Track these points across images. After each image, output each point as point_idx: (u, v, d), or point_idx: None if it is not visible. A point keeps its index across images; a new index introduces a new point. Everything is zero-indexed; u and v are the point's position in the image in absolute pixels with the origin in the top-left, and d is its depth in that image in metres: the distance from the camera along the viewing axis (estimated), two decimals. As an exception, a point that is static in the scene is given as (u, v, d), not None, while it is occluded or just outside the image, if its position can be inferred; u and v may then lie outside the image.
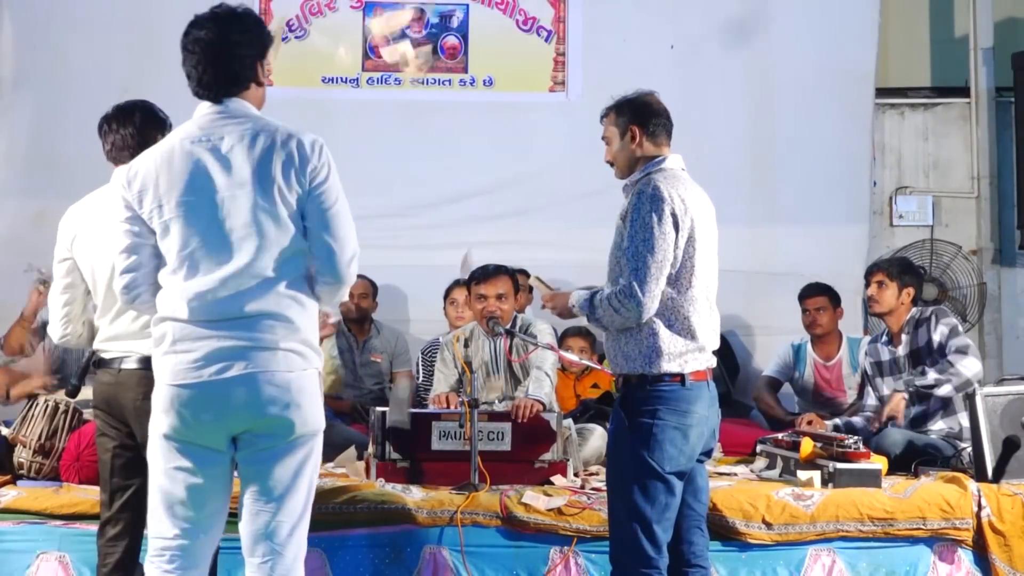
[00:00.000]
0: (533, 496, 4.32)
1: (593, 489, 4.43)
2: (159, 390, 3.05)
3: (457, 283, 6.12)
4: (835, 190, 6.94)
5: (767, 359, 6.51)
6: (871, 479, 4.46)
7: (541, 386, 4.97)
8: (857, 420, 5.31)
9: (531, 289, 6.25)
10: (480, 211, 6.80)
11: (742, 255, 6.75)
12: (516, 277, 5.48)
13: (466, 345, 5.25)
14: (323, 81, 6.84)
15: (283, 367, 3.00)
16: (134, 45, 6.69)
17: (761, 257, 6.92)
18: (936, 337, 5.08)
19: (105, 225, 3.51)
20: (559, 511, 4.26)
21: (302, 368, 3.04)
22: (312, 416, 3.06)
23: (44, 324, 5.84)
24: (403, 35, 6.82)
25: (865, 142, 7.04)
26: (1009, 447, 4.53)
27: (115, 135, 3.66)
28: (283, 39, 6.74)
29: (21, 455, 4.52)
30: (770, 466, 4.86)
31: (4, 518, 4.25)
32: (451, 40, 6.99)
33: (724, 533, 4.29)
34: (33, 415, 4.56)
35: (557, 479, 4.59)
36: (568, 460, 4.68)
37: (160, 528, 3.09)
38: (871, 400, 5.37)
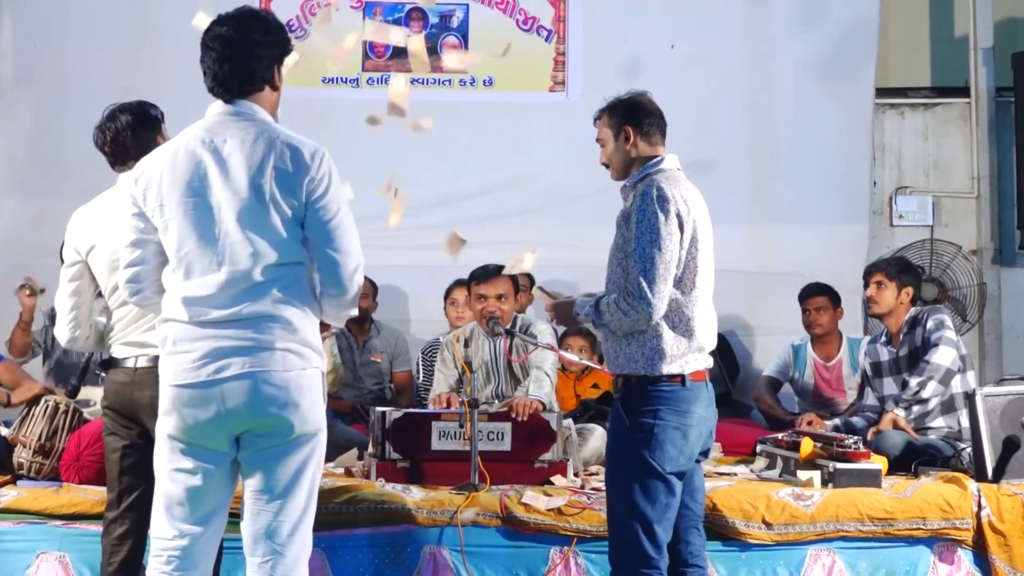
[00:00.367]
0: (533, 496, 4.32)
1: (593, 489, 4.43)
2: (163, 391, 3.06)
3: (458, 283, 6.12)
4: (835, 190, 6.94)
5: (767, 359, 6.51)
6: (871, 479, 4.46)
7: (541, 386, 4.97)
8: (857, 420, 5.31)
9: (531, 288, 6.26)
10: (480, 211, 6.80)
11: (742, 255, 6.76)
12: (516, 277, 5.48)
13: (466, 345, 5.25)
14: (323, 81, 6.83)
15: (281, 367, 3.00)
16: (134, 45, 6.71)
17: (761, 257, 6.92)
18: (927, 335, 5.09)
19: (117, 228, 3.51)
20: (559, 511, 4.26)
21: (301, 368, 3.04)
22: (312, 416, 3.05)
23: (45, 327, 5.84)
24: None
25: (865, 142, 7.04)
26: (1009, 447, 4.53)
27: (112, 145, 3.63)
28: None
29: (21, 455, 4.52)
30: (770, 466, 4.86)
31: (4, 518, 4.25)
32: (451, 40, 6.99)
33: (724, 533, 4.29)
34: (33, 415, 4.56)
35: (557, 479, 4.59)
36: (568, 460, 4.68)
37: (160, 529, 3.10)
38: (871, 400, 5.37)
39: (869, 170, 7.10)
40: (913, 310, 5.25)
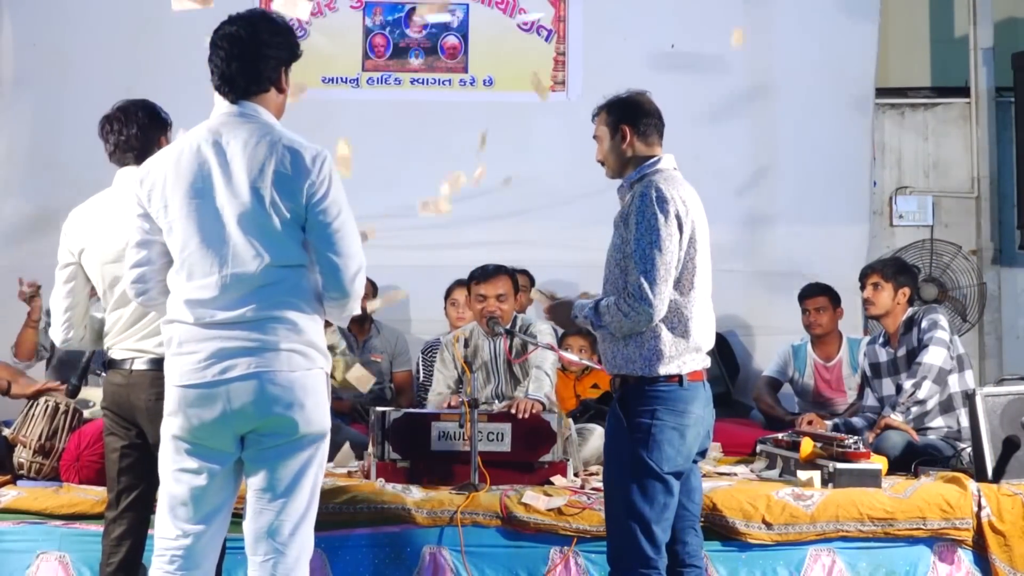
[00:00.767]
0: (533, 496, 4.32)
1: (593, 489, 4.43)
2: (168, 392, 3.07)
3: (458, 283, 6.12)
4: (835, 190, 6.94)
5: (767, 359, 6.51)
6: (871, 479, 4.46)
7: (541, 386, 4.97)
8: (857, 420, 5.31)
9: (531, 288, 6.25)
10: (480, 211, 6.79)
11: (742, 255, 6.76)
12: (516, 277, 5.48)
13: (466, 345, 5.25)
14: (323, 81, 6.83)
15: (286, 367, 3.01)
16: (134, 45, 6.70)
17: (761, 257, 6.93)
18: (920, 336, 5.09)
19: (113, 228, 3.52)
20: (559, 511, 4.26)
21: (306, 368, 3.04)
22: (316, 416, 3.06)
23: (46, 325, 5.84)
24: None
25: (865, 142, 7.04)
26: (1009, 447, 4.53)
27: (117, 136, 3.65)
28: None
29: (21, 455, 4.52)
30: (770, 466, 4.86)
31: (4, 518, 4.25)
32: (451, 40, 6.99)
33: (724, 533, 4.29)
34: (33, 415, 4.56)
35: (557, 479, 4.59)
36: (568, 460, 4.68)
37: (163, 529, 3.10)
38: (871, 401, 5.37)
39: (869, 170, 7.10)
40: (910, 310, 5.25)
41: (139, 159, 3.59)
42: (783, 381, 6.31)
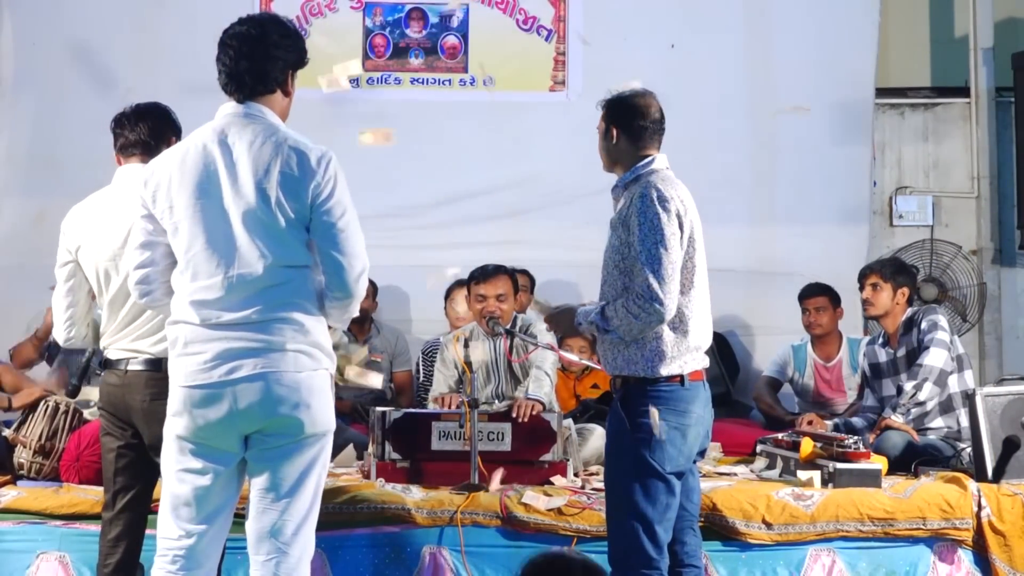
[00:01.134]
0: (533, 496, 4.32)
1: (593, 489, 4.43)
2: (173, 392, 3.07)
3: (458, 283, 6.12)
4: (835, 190, 6.94)
5: (767, 359, 6.51)
6: (871, 479, 4.46)
7: (541, 386, 4.97)
8: (857, 420, 5.31)
9: (531, 288, 6.25)
10: (480, 211, 6.80)
11: (742, 255, 6.76)
12: (516, 277, 5.48)
13: (466, 345, 5.25)
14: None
15: (292, 367, 3.02)
16: (135, 45, 6.70)
17: (761, 257, 6.92)
18: (921, 336, 5.09)
19: (109, 227, 3.52)
20: (559, 511, 4.26)
21: (311, 369, 3.05)
22: (321, 416, 3.07)
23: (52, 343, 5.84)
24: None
25: (865, 142, 7.04)
26: (1009, 447, 4.53)
27: (128, 131, 3.66)
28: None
29: (21, 455, 4.53)
30: (770, 466, 4.86)
31: (4, 518, 4.25)
32: (451, 40, 6.99)
33: (724, 533, 4.29)
34: (33, 416, 4.56)
35: (557, 479, 4.59)
36: (568, 460, 4.68)
37: (165, 529, 3.11)
38: (871, 401, 5.37)
39: (869, 170, 7.09)
40: (910, 311, 5.25)
41: (144, 158, 3.60)
42: (783, 381, 6.31)
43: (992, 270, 7.32)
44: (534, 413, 4.66)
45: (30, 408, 4.61)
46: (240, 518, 3.21)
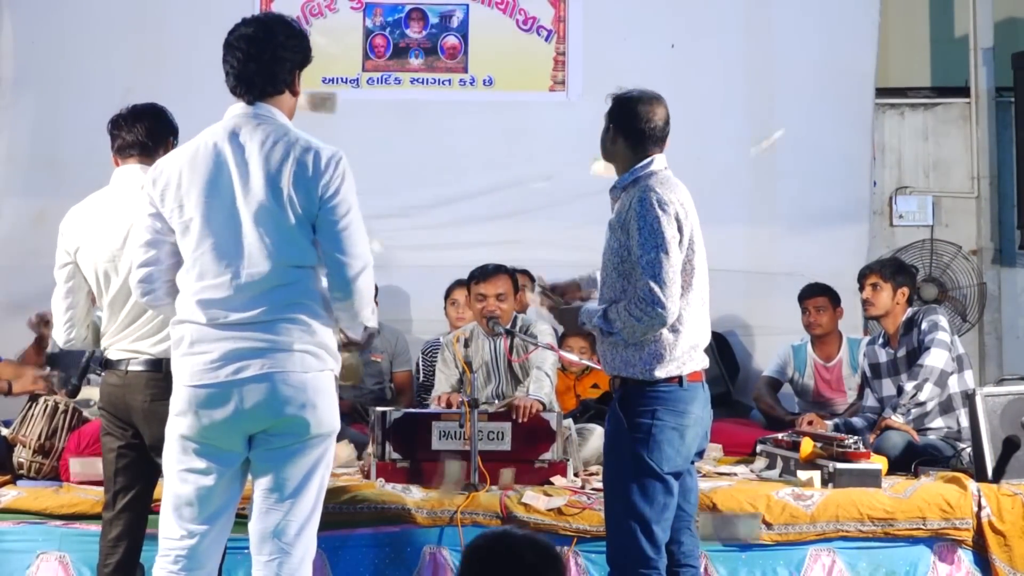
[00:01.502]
0: (533, 496, 4.32)
1: (593, 489, 4.43)
2: (177, 391, 3.07)
3: (458, 283, 6.12)
4: (835, 190, 6.93)
5: (767, 359, 6.51)
6: (871, 479, 4.46)
7: (541, 386, 4.97)
8: (857, 420, 5.31)
9: (534, 288, 6.25)
10: (480, 211, 6.80)
11: (742, 255, 6.75)
12: (516, 277, 5.48)
13: (466, 345, 5.25)
14: (323, 81, 6.83)
15: (299, 368, 3.02)
16: (135, 45, 6.70)
17: (761, 257, 6.92)
18: (921, 337, 5.09)
19: (109, 227, 3.52)
20: (559, 511, 4.26)
21: (318, 369, 3.06)
22: (327, 417, 3.08)
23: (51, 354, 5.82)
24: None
25: (865, 142, 7.03)
26: (1009, 447, 4.54)
27: (125, 133, 3.66)
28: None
29: (21, 455, 4.52)
30: (770, 466, 4.86)
31: (4, 518, 4.25)
32: (451, 40, 6.99)
33: (724, 533, 4.29)
34: (33, 415, 4.56)
35: (557, 479, 4.59)
36: (568, 460, 4.68)
37: (168, 529, 3.11)
38: (871, 401, 5.37)
39: (869, 170, 7.09)
40: (910, 311, 5.25)
41: (142, 158, 3.60)
42: (783, 381, 6.31)
43: (992, 270, 7.31)
44: (533, 411, 4.66)
45: (29, 407, 4.61)
46: (241, 518, 3.21)
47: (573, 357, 5.23)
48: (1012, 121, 7.21)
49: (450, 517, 4.23)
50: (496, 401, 5.15)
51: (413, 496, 4.33)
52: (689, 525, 3.63)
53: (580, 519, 4.24)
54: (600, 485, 4.35)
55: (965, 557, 4.39)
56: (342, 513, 4.22)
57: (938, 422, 5.09)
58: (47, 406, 4.56)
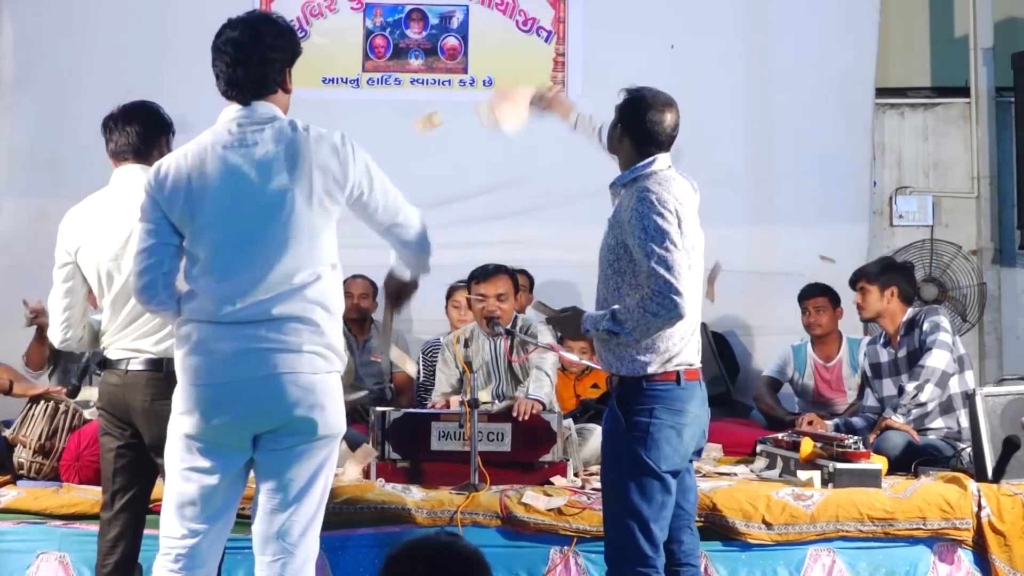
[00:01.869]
0: (533, 496, 4.32)
1: (593, 489, 4.42)
2: (182, 391, 3.06)
3: (459, 285, 6.12)
4: (835, 190, 6.94)
5: (767, 359, 6.51)
6: (871, 479, 4.46)
7: (541, 386, 4.97)
8: (857, 420, 5.30)
9: (531, 288, 6.25)
10: (480, 211, 6.80)
11: (742, 255, 6.75)
12: (516, 277, 5.48)
13: (466, 345, 5.25)
14: (323, 81, 6.83)
15: (308, 369, 3.02)
16: (136, 45, 6.70)
17: (761, 257, 6.92)
18: (922, 338, 5.09)
19: (110, 227, 3.51)
20: (559, 511, 4.26)
21: (326, 371, 3.06)
22: (335, 418, 3.08)
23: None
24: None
25: (865, 142, 7.03)
26: (1009, 447, 4.54)
27: (119, 134, 3.65)
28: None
29: (21, 455, 4.53)
30: (770, 466, 4.86)
31: (4, 518, 4.25)
32: (451, 41, 6.99)
33: (724, 533, 4.29)
34: (33, 415, 4.56)
35: (557, 479, 4.59)
36: (568, 460, 4.68)
37: (169, 528, 3.11)
38: (871, 401, 5.37)
39: (869, 170, 7.09)
40: (911, 311, 5.25)
41: (138, 159, 3.60)
42: (783, 381, 6.31)
43: (992, 270, 7.31)
44: (534, 412, 4.66)
45: (30, 407, 4.61)
46: (242, 518, 3.21)
47: (573, 357, 5.22)
48: (1012, 121, 7.21)
49: (450, 517, 4.23)
50: (496, 401, 5.15)
51: (413, 496, 4.33)
52: (689, 524, 3.63)
53: (580, 519, 4.24)
54: (600, 485, 4.37)
55: (965, 557, 4.39)
56: (342, 513, 4.22)
57: (938, 422, 5.09)
58: (47, 407, 4.56)
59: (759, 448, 5.04)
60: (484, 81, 6.99)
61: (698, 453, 3.65)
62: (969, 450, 4.73)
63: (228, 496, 3.11)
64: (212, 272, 3.05)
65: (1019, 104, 7.07)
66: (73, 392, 4.67)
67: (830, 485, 4.46)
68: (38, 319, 5.39)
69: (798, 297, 6.25)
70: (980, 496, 4.40)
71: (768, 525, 4.29)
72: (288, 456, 3.04)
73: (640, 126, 3.56)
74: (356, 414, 5.98)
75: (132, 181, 3.56)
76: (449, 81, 6.99)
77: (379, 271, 6.24)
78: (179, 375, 3.08)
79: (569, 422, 4.92)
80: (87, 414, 4.63)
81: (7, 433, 4.61)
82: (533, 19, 7.00)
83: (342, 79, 6.92)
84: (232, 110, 3.14)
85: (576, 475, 4.70)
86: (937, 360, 4.94)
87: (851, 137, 6.98)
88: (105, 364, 3.60)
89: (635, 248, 3.42)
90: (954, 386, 5.06)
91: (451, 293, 6.30)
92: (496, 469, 4.51)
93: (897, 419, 4.94)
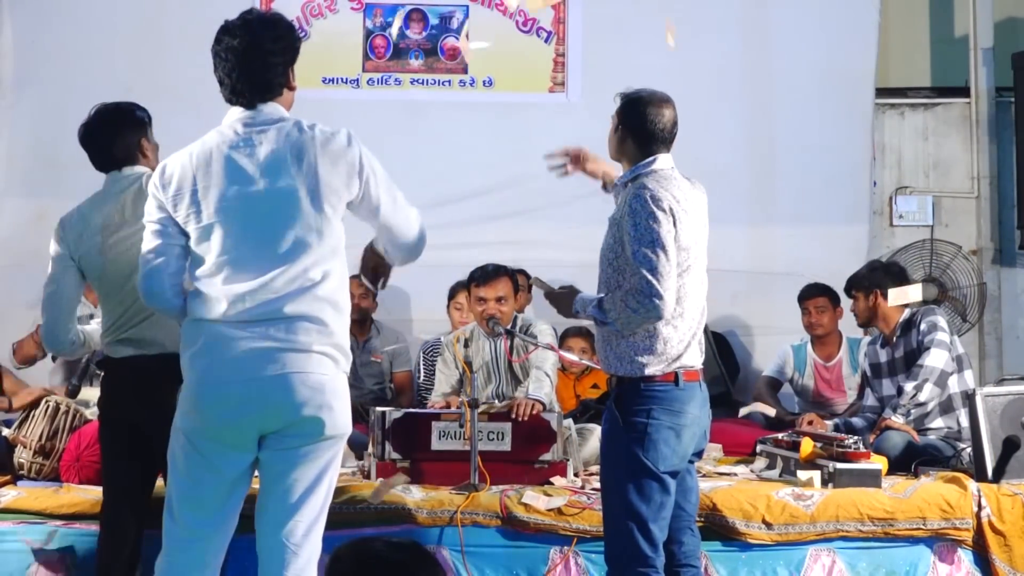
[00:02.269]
0: (533, 496, 4.32)
1: (593, 489, 4.42)
2: (188, 390, 3.06)
3: (461, 286, 6.11)
4: (835, 190, 6.94)
5: (767, 359, 6.51)
6: (871, 479, 4.46)
7: (541, 386, 4.97)
8: (857, 420, 5.30)
9: (530, 288, 6.25)
10: (480, 211, 6.80)
11: (742, 255, 6.76)
12: (516, 278, 5.48)
13: (466, 345, 5.25)
14: (323, 81, 6.84)
15: (317, 369, 3.02)
16: (134, 45, 6.70)
17: (761, 257, 6.92)
18: (920, 338, 5.09)
19: (106, 230, 3.52)
20: (559, 511, 4.26)
21: (335, 372, 3.07)
22: (342, 419, 3.09)
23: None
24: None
25: (865, 142, 7.04)
26: (1009, 447, 4.53)
27: (97, 143, 3.65)
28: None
29: (21, 456, 4.53)
30: (770, 466, 4.86)
31: (4, 518, 4.25)
32: (451, 41, 6.99)
33: (724, 533, 4.28)
34: (34, 416, 4.56)
35: (557, 479, 4.59)
36: (568, 460, 4.68)
37: (173, 527, 3.10)
38: (871, 401, 5.37)
39: (869, 170, 7.09)
40: (908, 311, 5.25)
41: (122, 164, 3.60)
42: (783, 381, 6.31)
43: (992, 270, 7.32)
44: (534, 412, 4.66)
45: (30, 407, 4.61)
46: (245, 518, 3.21)
47: (573, 357, 5.23)
48: (1012, 121, 7.21)
49: (450, 517, 4.23)
50: (496, 402, 5.15)
51: (413, 496, 4.33)
52: (690, 525, 3.64)
53: (580, 519, 4.24)
54: (600, 485, 4.37)
55: (965, 557, 4.39)
56: (342, 513, 4.20)
57: (938, 422, 5.09)
58: (48, 407, 4.56)
59: (759, 448, 5.04)
60: (484, 82, 6.99)
61: (699, 454, 3.65)
62: (969, 450, 4.73)
63: (233, 495, 3.11)
64: (219, 272, 3.05)
65: (1019, 104, 7.07)
66: (73, 392, 4.67)
67: (830, 485, 4.46)
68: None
69: (798, 297, 6.25)
70: (980, 496, 4.40)
71: (768, 525, 4.29)
72: (294, 456, 3.05)
73: (641, 125, 3.58)
74: (356, 414, 5.98)
75: (123, 183, 3.57)
76: (449, 81, 7.00)
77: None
78: (185, 374, 3.08)
79: (569, 422, 4.92)
80: (87, 414, 4.63)
81: (7, 433, 4.61)
82: (533, 19, 7.00)
83: (342, 79, 6.92)
84: (237, 111, 3.14)
85: (576, 475, 4.70)
86: (935, 359, 4.94)
87: (851, 137, 6.98)
88: (106, 363, 3.60)
89: (626, 244, 3.43)
90: (953, 385, 5.07)
91: (453, 294, 6.30)
92: (496, 469, 4.51)
93: (897, 419, 4.94)
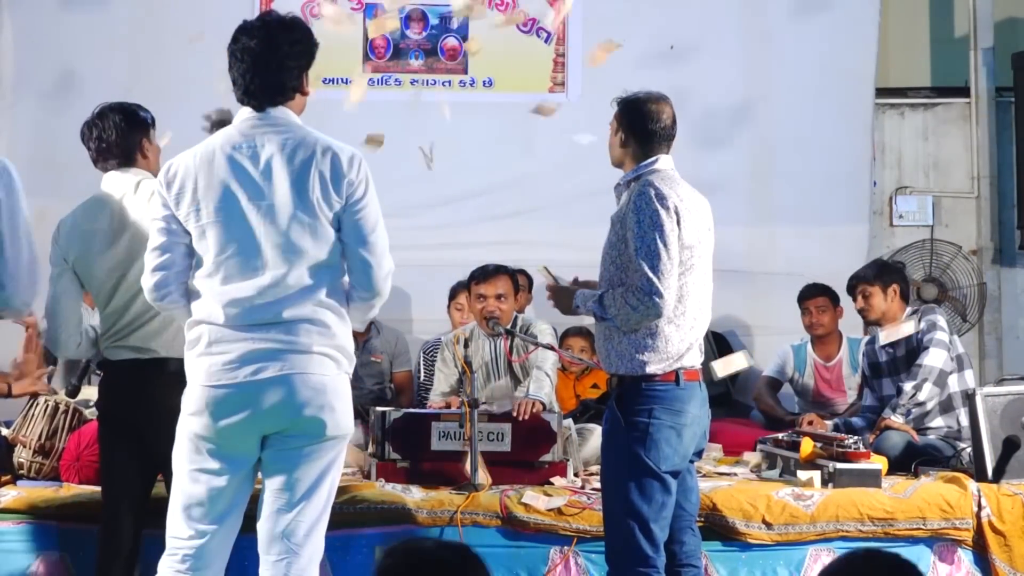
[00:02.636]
0: (533, 496, 4.32)
1: (593, 489, 4.42)
2: (192, 391, 3.07)
3: (462, 287, 6.11)
4: (835, 190, 6.94)
5: (767, 359, 6.51)
6: (871, 479, 4.46)
7: (541, 386, 4.97)
8: (857, 420, 5.31)
9: (531, 288, 6.25)
10: (480, 211, 6.80)
11: (742, 255, 6.75)
12: (516, 277, 5.48)
13: (466, 345, 5.25)
14: (323, 82, 6.83)
15: (318, 370, 3.03)
16: (134, 46, 6.70)
17: (761, 257, 6.92)
18: (920, 337, 5.09)
19: (105, 232, 3.52)
20: (559, 511, 4.26)
21: (335, 372, 3.07)
22: (344, 420, 3.09)
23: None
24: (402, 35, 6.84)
25: (865, 142, 7.03)
26: (1009, 447, 4.54)
27: (97, 142, 3.65)
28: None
29: (21, 455, 4.53)
30: (770, 466, 4.86)
31: (4, 518, 4.25)
32: (451, 41, 6.99)
33: (724, 533, 4.29)
34: (33, 415, 4.56)
35: (557, 479, 4.59)
36: (568, 460, 4.68)
37: (176, 528, 3.11)
38: (870, 401, 5.37)
39: (869, 170, 7.09)
40: (908, 311, 5.25)
41: (122, 163, 3.60)
42: (783, 381, 6.31)
43: (992, 270, 7.31)
44: (534, 411, 4.66)
45: (29, 407, 4.61)
46: (247, 518, 3.21)
47: (573, 357, 5.23)
48: (1012, 121, 7.21)
49: (450, 517, 4.23)
50: (496, 402, 5.15)
51: (413, 496, 4.33)
52: (690, 524, 3.64)
53: (580, 519, 4.24)
54: (600, 485, 4.37)
55: (965, 557, 4.39)
56: (342, 513, 4.20)
57: (938, 422, 5.09)
58: (47, 406, 4.56)
59: (759, 448, 5.03)
60: (484, 82, 6.99)
61: (699, 454, 3.65)
62: (969, 450, 4.73)
63: (236, 497, 3.12)
64: (217, 272, 3.06)
65: (1019, 104, 7.07)
66: (73, 392, 4.67)
67: (830, 485, 4.46)
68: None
69: (798, 297, 6.25)
70: (980, 496, 4.40)
71: (768, 525, 4.29)
72: (296, 456, 3.05)
73: (642, 124, 3.59)
74: (356, 414, 5.98)
75: (121, 185, 3.57)
76: (449, 82, 6.99)
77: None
78: (189, 376, 3.08)
79: (569, 422, 4.92)
80: (87, 414, 4.63)
81: (7, 433, 4.61)
82: (533, 20, 6.99)
83: (342, 79, 6.92)
84: (246, 112, 3.14)
85: (576, 475, 4.70)
86: (934, 359, 4.95)
87: (851, 137, 6.98)
88: (106, 365, 3.60)
89: (628, 240, 3.43)
90: (953, 385, 5.07)
91: (453, 294, 6.30)
92: (496, 469, 4.51)
93: (896, 419, 4.94)
